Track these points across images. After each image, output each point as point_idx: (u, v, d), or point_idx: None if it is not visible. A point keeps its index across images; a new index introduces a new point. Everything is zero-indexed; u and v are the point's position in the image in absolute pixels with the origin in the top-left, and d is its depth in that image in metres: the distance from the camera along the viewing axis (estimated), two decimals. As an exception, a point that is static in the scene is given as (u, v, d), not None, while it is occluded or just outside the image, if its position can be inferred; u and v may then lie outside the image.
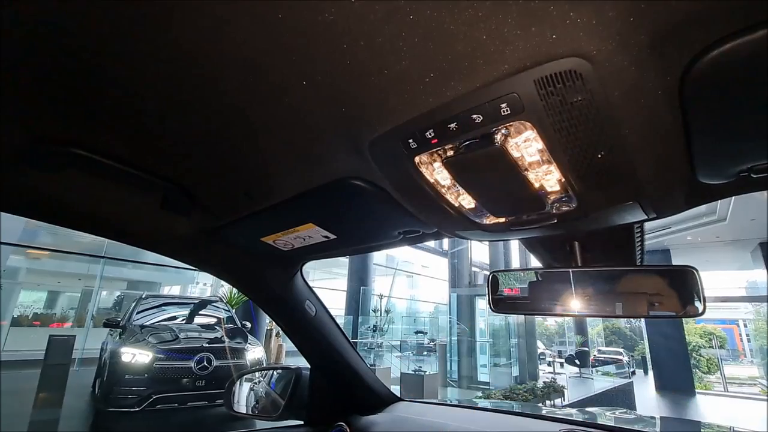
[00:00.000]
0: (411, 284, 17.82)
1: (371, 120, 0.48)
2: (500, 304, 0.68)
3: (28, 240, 9.94)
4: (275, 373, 1.63)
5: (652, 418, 1.72)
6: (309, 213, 0.76)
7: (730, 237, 10.85)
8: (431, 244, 15.58)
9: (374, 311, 9.90)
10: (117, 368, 4.76)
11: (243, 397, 1.53)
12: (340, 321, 10.53)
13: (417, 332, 10.09)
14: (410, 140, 0.47)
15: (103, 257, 10.28)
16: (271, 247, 0.91)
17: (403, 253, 15.94)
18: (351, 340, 1.32)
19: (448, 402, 1.43)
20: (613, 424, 1.18)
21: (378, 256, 13.40)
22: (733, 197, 7.50)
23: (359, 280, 10.49)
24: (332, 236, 0.82)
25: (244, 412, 1.44)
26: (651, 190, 0.47)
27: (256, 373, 1.74)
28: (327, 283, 16.11)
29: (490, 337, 12.08)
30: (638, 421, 1.58)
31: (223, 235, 0.91)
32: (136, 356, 4.84)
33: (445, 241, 14.83)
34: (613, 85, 0.36)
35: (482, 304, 12.60)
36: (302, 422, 1.30)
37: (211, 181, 0.73)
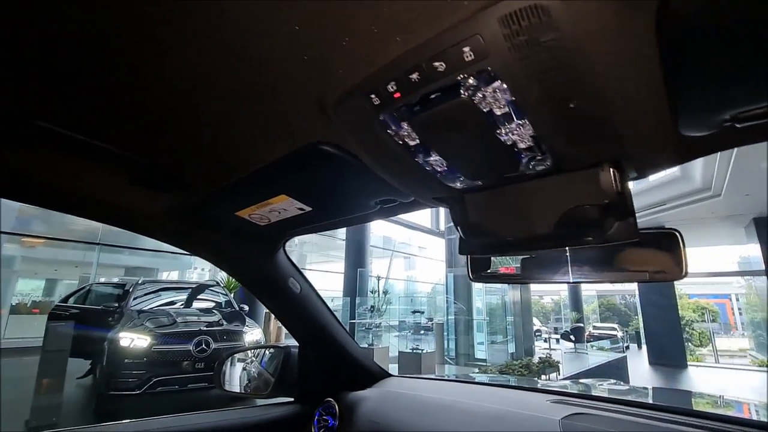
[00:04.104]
0: (408, 265, 17.95)
1: (333, 77, 0.45)
2: (479, 273, 0.66)
3: (22, 228, 9.88)
4: (268, 352, 1.63)
5: (645, 388, 1.75)
6: (281, 184, 0.73)
7: (725, 212, 10.90)
8: (428, 224, 15.62)
9: (372, 292, 9.98)
10: (116, 353, 4.83)
11: (233, 376, 1.53)
12: (339, 302, 10.66)
13: (414, 312, 10.21)
14: (373, 96, 0.43)
15: (98, 244, 10.24)
16: (247, 222, 0.88)
17: (400, 235, 16.01)
18: (341, 320, 1.31)
19: (439, 377, 1.43)
20: (600, 394, 1.18)
21: (375, 239, 13.42)
22: (729, 174, 7.47)
23: (356, 262, 10.53)
24: (308, 208, 0.79)
25: (234, 390, 1.45)
26: (630, 144, 0.43)
27: (249, 353, 1.75)
28: (325, 266, 16.19)
29: (486, 315, 12.26)
30: (631, 391, 1.60)
31: (198, 211, 0.88)
32: (134, 341, 4.90)
33: (442, 222, 14.87)
34: (583, 22, 0.32)
35: (478, 284, 12.74)
36: (292, 399, 1.31)
37: (178, 154, 0.70)
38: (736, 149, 7.24)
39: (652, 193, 11.28)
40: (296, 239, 14.74)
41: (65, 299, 7.21)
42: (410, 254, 17.39)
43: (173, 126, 0.61)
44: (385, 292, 10.28)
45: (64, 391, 4.82)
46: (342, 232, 11.77)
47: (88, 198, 0.82)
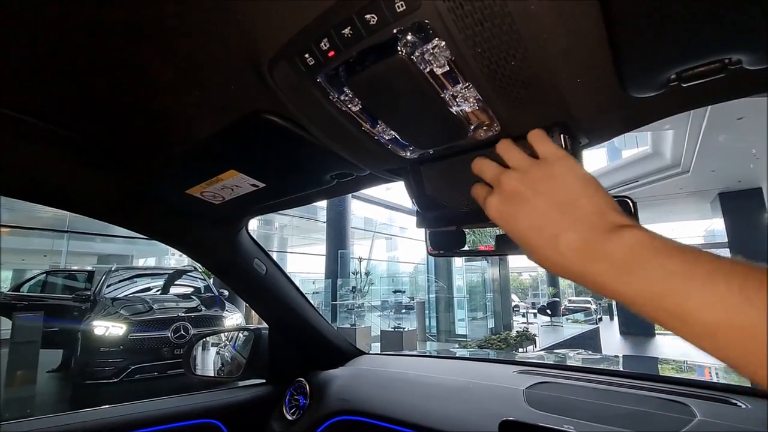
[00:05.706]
0: (390, 246, 18.03)
1: (263, 36, 0.41)
2: (437, 246, 0.65)
3: (-19, 218, 9.38)
4: (242, 335, 1.61)
5: (616, 356, 1.82)
6: (228, 158, 0.68)
7: (693, 188, 11.35)
8: (409, 204, 15.65)
9: (354, 274, 10.00)
10: (90, 342, 4.71)
11: (204, 360, 1.51)
12: (321, 285, 10.65)
13: (395, 291, 10.33)
14: (306, 55, 0.40)
15: (67, 231, 9.84)
16: (201, 201, 0.84)
17: (381, 216, 16.00)
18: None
19: (410, 353, 1.45)
20: (567, 363, 1.22)
21: (356, 220, 13.36)
22: (697, 150, 7.68)
23: (338, 244, 10.50)
24: (261, 184, 0.75)
25: (205, 375, 1.43)
26: (577, 107, 0.42)
27: (223, 337, 1.72)
28: (307, 248, 16.11)
29: (467, 292, 12.55)
30: (603, 360, 1.66)
31: (147, 191, 0.83)
32: (110, 329, 4.79)
33: (423, 203, 14.85)
34: None
35: (458, 263, 12.96)
36: (264, 380, 1.30)
37: (116, 131, 0.65)
38: (705, 125, 7.47)
39: (627, 170, 11.59)
40: (276, 222, 14.58)
41: (17, 288, 6.80)
42: (392, 235, 17.44)
43: (108, 101, 0.57)
44: (367, 273, 10.32)
45: (38, 383, 4.72)
46: (323, 215, 11.67)
47: (27, 179, 0.76)
